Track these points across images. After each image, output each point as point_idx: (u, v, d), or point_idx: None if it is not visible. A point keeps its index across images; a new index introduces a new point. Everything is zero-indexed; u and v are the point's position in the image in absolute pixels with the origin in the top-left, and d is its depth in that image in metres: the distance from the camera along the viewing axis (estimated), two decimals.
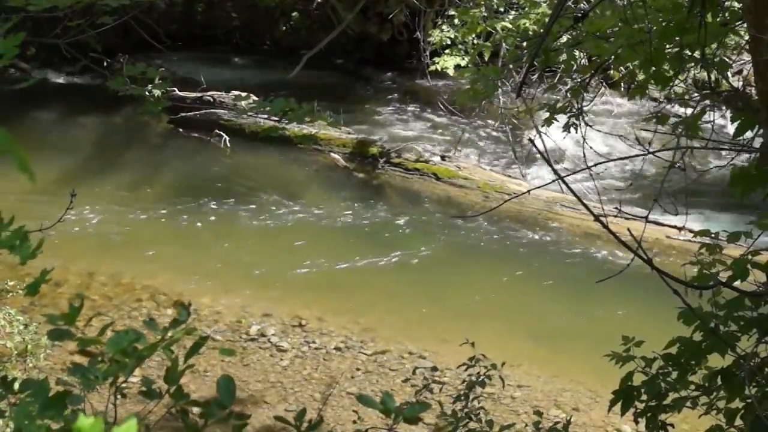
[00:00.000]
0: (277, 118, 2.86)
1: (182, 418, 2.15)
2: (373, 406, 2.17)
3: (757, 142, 3.36)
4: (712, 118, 3.98)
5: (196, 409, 2.17)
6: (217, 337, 6.80)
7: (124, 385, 2.19)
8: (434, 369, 6.00)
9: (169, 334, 2.14)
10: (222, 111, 11.22)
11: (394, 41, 14.18)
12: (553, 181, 2.58)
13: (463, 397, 4.60)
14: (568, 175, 2.61)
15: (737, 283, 2.92)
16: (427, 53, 11.07)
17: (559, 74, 5.40)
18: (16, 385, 2.10)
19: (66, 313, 2.09)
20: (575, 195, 2.42)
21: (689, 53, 3.68)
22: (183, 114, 11.17)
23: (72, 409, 1.94)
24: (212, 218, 9.09)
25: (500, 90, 8.64)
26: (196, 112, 11.22)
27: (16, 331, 5.74)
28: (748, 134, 3.28)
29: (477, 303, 7.69)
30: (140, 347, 2.07)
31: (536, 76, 8.16)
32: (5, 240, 2.15)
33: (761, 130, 3.26)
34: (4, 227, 2.15)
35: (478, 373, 4.59)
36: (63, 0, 2.75)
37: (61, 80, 12.72)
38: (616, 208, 4.74)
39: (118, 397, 2.16)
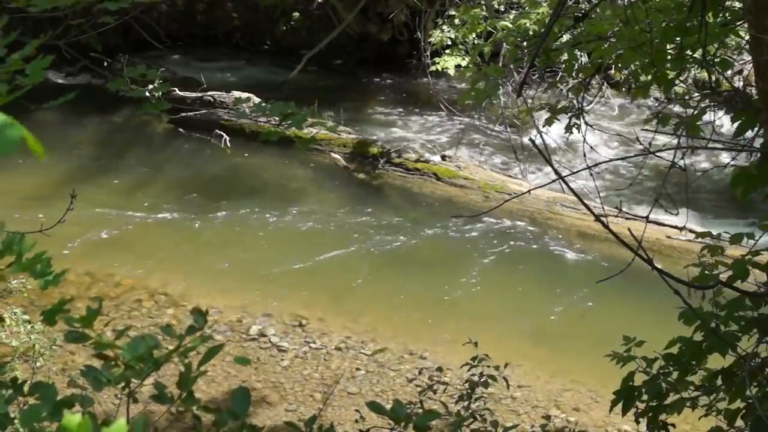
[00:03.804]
0: (277, 122, 2.85)
1: (195, 425, 2.15)
2: (383, 413, 2.16)
3: (758, 142, 3.36)
4: (712, 118, 3.99)
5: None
6: (217, 337, 6.80)
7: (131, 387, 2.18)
8: (438, 369, 6.00)
9: (186, 341, 2.13)
10: (222, 111, 11.22)
11: (395, 41, 14.18)
12: (554, 180, 2.58)
13: (466, 398, 4.61)
14: (568, 175, 2.61)
15: (738, 283, 2.92)
16: (428, 53, 11.06)
17: (560, 74, 5.40)
18: (26, 388, 2.10)
19: (84, 316, 2.08)
20: (576, 195, 2.42)
21: (690, 53, 3.68)
22: (183, 114, 11.18)
23: (82, 411, 1.93)
24: (212, 218, 9.08)
25: (501, 90, 8.64)
26: (197, 112, 11.22)
27: (23, 330, 5.73)
28: (749, 134, 3.29)
29: (477, 303, 7.68)
30: (156, 354, 2.06)
31: (537, 76, 8.17)
32: (27, 263, 2.14)
33: (761, 130, 3.27)
34: (27, 248, 2.14)
35: (481, 373, 4.60)
36: (64, 0, 2.75)
37: (61, 80, 12.72)
38: (617, 208, 4.74)
39: (130, 401, 2.15)
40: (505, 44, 8.32)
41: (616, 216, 5.98)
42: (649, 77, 3.85)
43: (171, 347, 2.11)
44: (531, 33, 5.92)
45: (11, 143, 1.01)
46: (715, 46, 3.87)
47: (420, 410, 4.67)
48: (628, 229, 2.48)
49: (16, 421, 1.93)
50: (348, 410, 6.08)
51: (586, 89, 4.65)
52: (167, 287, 7.60)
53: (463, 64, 9.56)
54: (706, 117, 3.87)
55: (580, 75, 4.65)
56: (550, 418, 5.17)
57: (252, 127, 10.82)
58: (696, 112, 3.77)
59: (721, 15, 3.68)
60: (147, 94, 2.84)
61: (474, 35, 8.64)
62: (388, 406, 2.24)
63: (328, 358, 6.72)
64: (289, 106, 2.84)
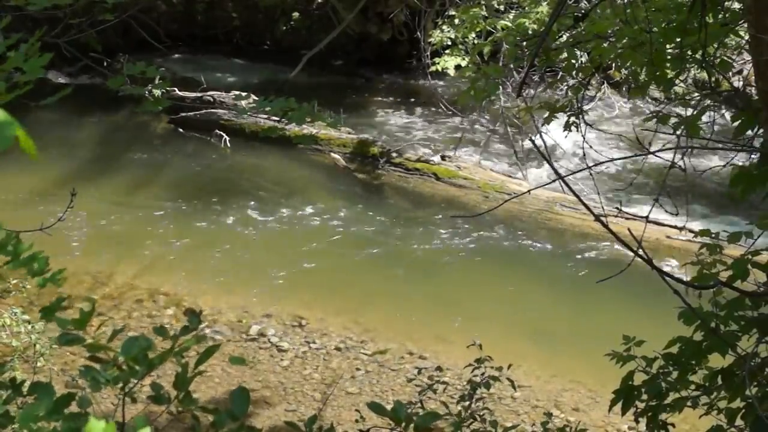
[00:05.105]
0: (277, 118, 2.86)
1: (194, 426, 2.14)
2: (383, 413, 2.15)
3: (757, 142, 3.36)
4: (712, 118, 3.98)
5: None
6: (217, 337, 6.80)
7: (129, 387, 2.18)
8: (438, 369, 6.00)
9: (180, 341, 2.12)
10: (222, 111, 11.22)
11: (395, 41, 14.18)
12: (554, 180, 2.58)
13: (467, 398, 4.61)
14: (568, 175, 2.61)
15: (738, 283, 2.92)
16: (428, 53, 11.06)
17: (560, 74, 5.40)
18: (25, 388, 2.09)
19: (77, 318, 2.08)
20: (575, 195, 2.41)
21: (690, 53, 3.68)
22: (183, 114, 11.18)
23: (80, 411, 1.93)
24: (212, 218, 9.09)
25: (501, 89, 8.64)
26: (196, 112, 11.23)
27: (24, 331, 5.73)
28: (748, 134, 3.29)
29: (477, 303, 7.68)
30: (151, 355, 2.05)
31: (537, 75, 8.17)
32: (23, 261, 2.14)
33: (761, 130, 3.26)
34: (23, 248, 2.14)
35: (483, 374, 4.59)
36: None
37: (61, 80, 12.72)
38: (617, 208, 4.74)
39: (127, 401, 2.15)
40: (504, 44, 8.32)
41: (616, 216, 5.98)
42: (650, 77, 3.85)
43: (166, 348, 2.10)
44: (531, 32, 5.92)
45: (4, 141, 1.03)
46: (715, 46, 3.87)
47: (420, 410, 4.67)
48: (628, 229, 2.48)
49: (16, 421, 1.93)
50: (348, 410, 6.08)
51: (585, 89, 4.64)
52: (167, 287, 7.60)
53: (463, 64, 9.55)
54: (706, 117, 3.87)
55: (580, 75, 4.64)
56: (551, 416, 5.15)
57: (252, 127, 10.82)
58: (696, 112, 3.77)
59: (721, 15, 3.68)
60: (146, 93, 2.84)
61: (474, 35, 8.63)
62: (389, 406, 2.23)
63: (328, 358, 6.72)
64: (290, 103, 2.84)
